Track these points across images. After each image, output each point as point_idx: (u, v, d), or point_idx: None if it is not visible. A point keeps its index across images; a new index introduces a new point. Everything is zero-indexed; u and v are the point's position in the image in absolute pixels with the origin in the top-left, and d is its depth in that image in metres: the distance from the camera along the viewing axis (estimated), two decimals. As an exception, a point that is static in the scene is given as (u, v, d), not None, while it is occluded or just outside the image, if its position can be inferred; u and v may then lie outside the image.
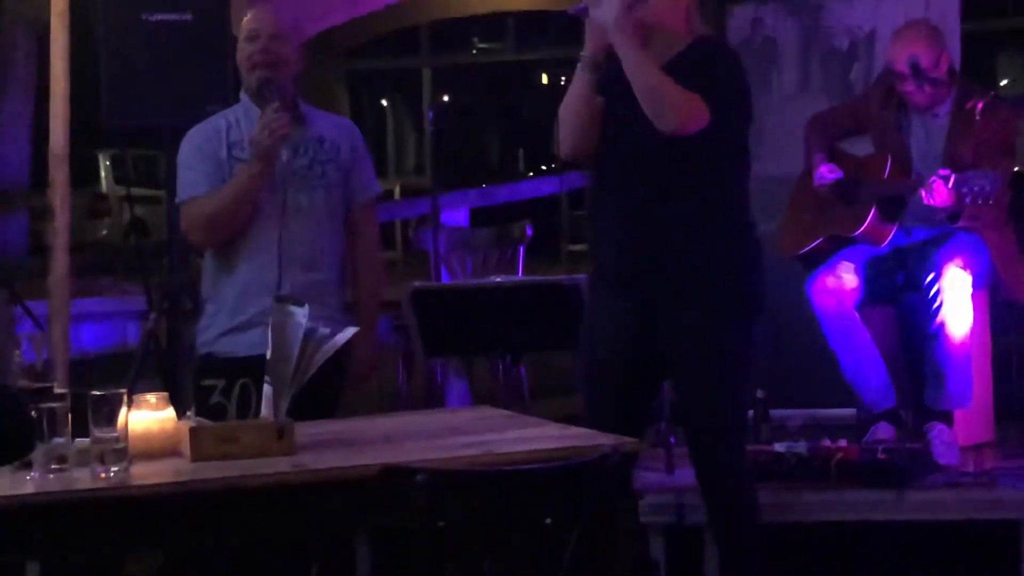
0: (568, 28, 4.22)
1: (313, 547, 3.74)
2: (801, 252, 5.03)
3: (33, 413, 2.77)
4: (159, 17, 5.18)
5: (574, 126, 3.76)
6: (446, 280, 5.80)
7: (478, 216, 8.16)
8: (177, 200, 4.11)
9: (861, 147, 5.11)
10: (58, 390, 2.96)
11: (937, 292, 4.70)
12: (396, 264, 12.39)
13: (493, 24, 17.31)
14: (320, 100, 5.73)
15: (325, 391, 3.75)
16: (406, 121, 19.66)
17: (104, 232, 15.40)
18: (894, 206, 4.89)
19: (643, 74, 3.60)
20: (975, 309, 4.78)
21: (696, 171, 3.67)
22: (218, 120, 4.12)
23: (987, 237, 4.81)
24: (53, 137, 5.30)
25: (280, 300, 3.18)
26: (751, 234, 3.80)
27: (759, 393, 4.78)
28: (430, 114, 6.52)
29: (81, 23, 5.41)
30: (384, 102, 19.82)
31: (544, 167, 17.28)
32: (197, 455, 2.96)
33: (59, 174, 5.31)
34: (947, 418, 4.73)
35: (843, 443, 4.54)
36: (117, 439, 2.79)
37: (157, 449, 3.02)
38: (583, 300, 4.00)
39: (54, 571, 2.89)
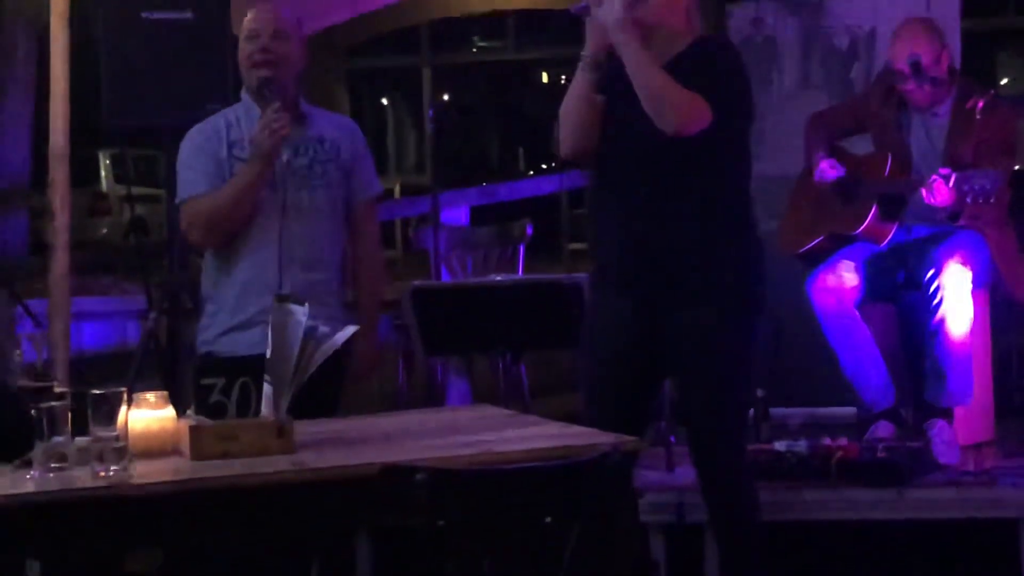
0: (569, 27, 4.22)
1: (313, 545, 3.74)
2: (801, 251, 5.03)
3: (33, 412, 2.78)
4: (159, 15, 5.17)
5: (575, 125, 3.75)
6: (446, 279, 5.80)
7: (478, 215, 8.14)
8: (177, 199, 4.11)
9: (861, 146, 5.11)
10: (58, 389, 2.96)
11: (937, 289, 4.70)
12: (396, 263, 12.37)
13: (493, 23, 17.28)
14: (320, 99, 5.74)
15: (325, 390, 3.75)
16: (406, 120, 19.63)
17: (104, 231, 15.38)
18: (894, 205, 4.88)
19: (645, 74, 3.59)
20: (975, 308, 4.78)
21: (697, 171, 3.67)
22: (218, 119, 4.11)
23: (987, 236, 4.81)
24: (53, 137, 5.29)
25: (280, 299, 3.18)
26: (752, 233, 3.79)
27: (759, 392, 4.78)
28: (430, 113, 6.55)
29: (81, 23, 5.40)
30: (384, 101, 19.79)
31: (544, 166, 17.25)
32: (197, 454, 2.96)
33: (59, 174, 5.31)
34: (948, 415, 4.73)
35: (843, 442, 4.54)
36: (117, 438, 2.79)
37: (157, 448, 3.02)
38: (583, 299, 4.00)
39: (54, 570, 2.89)
